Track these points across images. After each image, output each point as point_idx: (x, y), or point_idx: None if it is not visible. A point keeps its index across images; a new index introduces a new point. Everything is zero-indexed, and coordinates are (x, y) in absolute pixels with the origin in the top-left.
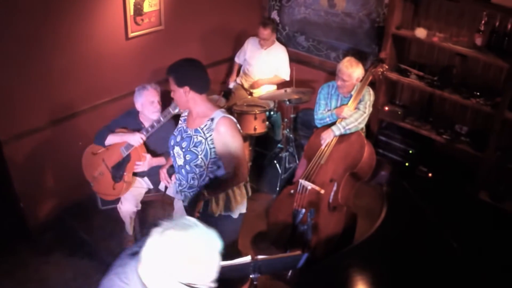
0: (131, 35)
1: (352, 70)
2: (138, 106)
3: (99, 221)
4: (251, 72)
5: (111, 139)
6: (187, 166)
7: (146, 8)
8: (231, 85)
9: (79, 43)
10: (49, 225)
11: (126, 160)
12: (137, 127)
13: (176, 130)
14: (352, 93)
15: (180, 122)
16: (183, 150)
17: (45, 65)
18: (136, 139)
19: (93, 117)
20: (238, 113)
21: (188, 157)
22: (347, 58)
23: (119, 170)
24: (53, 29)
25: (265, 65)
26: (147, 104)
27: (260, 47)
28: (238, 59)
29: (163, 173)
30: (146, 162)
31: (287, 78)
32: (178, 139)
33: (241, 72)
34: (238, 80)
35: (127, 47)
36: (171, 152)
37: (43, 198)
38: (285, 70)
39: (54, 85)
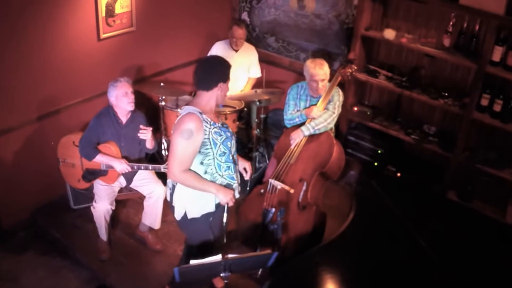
0: (103, 36)
1: (325, 67)
2: (113, 99)
3: (71, 220)
4: None
5: (98, 159)
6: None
7: (118, 9)
8: None
9: (51, 44)
10: (21, 224)
11: (102, 173)
12: (114, 124)
13: (221, 136)
14: (321, 93)
15: (210, 128)
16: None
17: (17, 66)
18: (121, 167)
19: (66, 117)
20: None
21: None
22: (310, 61)
23: (91, 174)
24: (25, 31)
25: (237, 67)
26: (121, 96)
27: (232, 50)
28: None
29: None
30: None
31: (260, 74)
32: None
33: None
34: None
35: (99, 48)
36: (228, 155)
37: (16, 198)
38: (257, 69)
39: (27, 86)
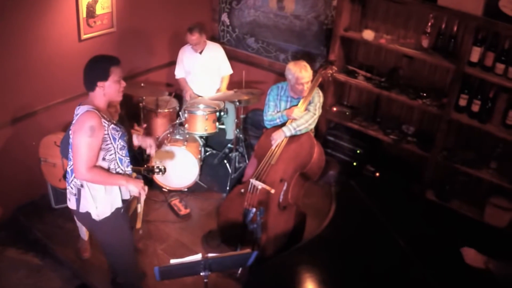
0: (83, 37)
1: (309, 69)
2: None
3: (52, 219)
4: (195, 79)
5: None
6: None
7: (99, 10)
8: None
9: (33, 45)
10: (2, 223)
11: None
12: None
13: (118, 131)
14: (305, 95)
15: (108, 124)
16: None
17: None
18: None
19: (46, 117)
20: (189, 113)
21: None
22: (293, 64)
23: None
24: (7, 31)
25: (205, 68)
26: None
27: (195, 52)
28: (180, 74)
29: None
30: None
31: (232, 71)
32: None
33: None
34: (192, 94)
35: (80, 48)
36: (126, 149)
37: None
38: (226, 65)
39: (8, 86)
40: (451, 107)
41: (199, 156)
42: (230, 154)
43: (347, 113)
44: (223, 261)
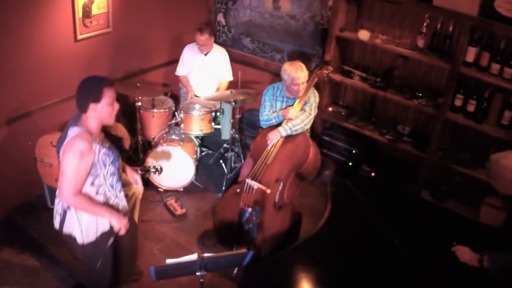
0: (79, 37)
1: (304, 69)
2: None
3: (48, 219)
4: (194, 79)
5: None
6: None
7: (95, 10)
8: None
9: (29, 45)
10: None
11: None
12: None
13: (109, 156)
14: (300, 95)
15: (99, 148)
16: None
17: None
18: None
19: (42, 117)
20: (184, 113)
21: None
22: (288, 65)
23: None
24: (2, 31)
25: (207, 70)
26: None
27: (200, 52)
28: (181, 72)
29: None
30: None
31: (232, 78)
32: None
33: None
34: (194, 96)
35: (76, 49)
36: (117, 174)
37: None
38: (227, 72)
39: (4, 86)
40: (447, 107)
41: (195, 156)
42: (226, 154)
43: (343, 113)
44: (219, 261)
